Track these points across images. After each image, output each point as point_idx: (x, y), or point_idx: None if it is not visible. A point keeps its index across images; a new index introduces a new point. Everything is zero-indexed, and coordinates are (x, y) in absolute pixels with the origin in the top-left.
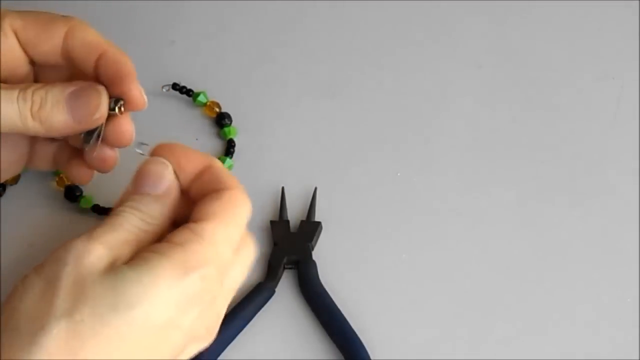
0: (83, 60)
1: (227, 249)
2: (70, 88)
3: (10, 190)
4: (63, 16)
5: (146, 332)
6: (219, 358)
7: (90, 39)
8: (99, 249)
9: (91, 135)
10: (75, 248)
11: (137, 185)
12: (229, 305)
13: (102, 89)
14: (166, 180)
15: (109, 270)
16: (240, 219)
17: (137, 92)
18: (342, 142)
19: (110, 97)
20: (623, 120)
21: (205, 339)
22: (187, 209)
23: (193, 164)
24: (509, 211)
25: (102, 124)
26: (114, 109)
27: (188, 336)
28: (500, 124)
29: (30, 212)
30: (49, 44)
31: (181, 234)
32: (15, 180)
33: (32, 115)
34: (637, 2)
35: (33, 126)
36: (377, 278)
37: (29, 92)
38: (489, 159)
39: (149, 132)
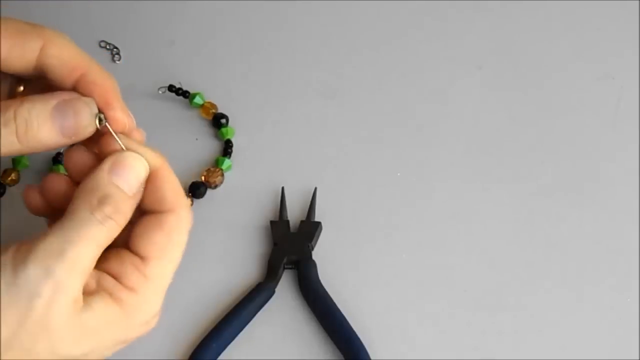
0: (60, 79)
1: (166, 286)
2: (53, 100)
3: (10, 190)
4: (37, 27)
5: None
6: (219, 358)
7: (67, 58)
8: (74, 284)
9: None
10: (52, 276)
11: (112, 175)
12: (229, 305)
13: (90, 101)
14: (143, 180)
15: (73, 313)
16: (182, 248)
17: (121, 115)
18: (342, 142)
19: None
20: (623, 120)
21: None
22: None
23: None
24: (509, 211)
25: None
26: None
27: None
28: (500, 124)
29: (30, 212)
30: (22, 60)
31: (132, 277)
32: (15, 180)
33: (18, 139)
34: (637, 2)
35: (19, 150)
36: (377, 278)
37: (10, 114)
38: (489, 159)
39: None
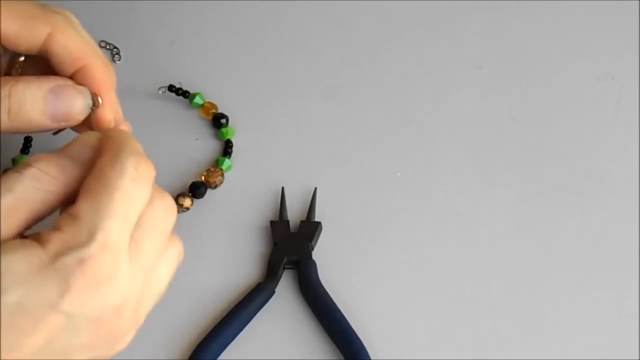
0: (61, 66)
1: (114, 224)
2: (48, 84)
3: None
4: (48, 12)
5: (21, 318)
6: (219, 358)
7: (72, 48)
8: None
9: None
10: None
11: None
12: (229, 305)
13: (84, 90)
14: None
15: None
16: (116, 187)
17: (108, 114)
18: (342, 142)
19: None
20: (623, 120)
21: (117, 319)
22: None
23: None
24: (509, 211)
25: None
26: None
27: (81, 318)
28: (500, 124)
29: None
30: (28, 43)
31: (60, 219)
32: None
33: (9, 116)
34: (637, 2)
35: (7, 127)
36: (377, 278)
37: (5, 90)
38: (488, 159)
39: (145, 134)
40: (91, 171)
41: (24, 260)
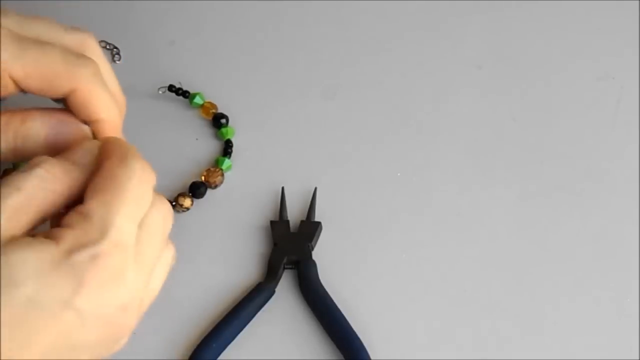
0: (79, 115)
1: (124, 222)
2: (50, 121)
3: None
4: (73, 67)
5: (33, 314)
6: (218, 358)
7: (93, 104)
8: None
9: None
10: None
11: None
12: (229, 305)
13: (87, 130)
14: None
15: None
16: (125, 187)
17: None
18: (342, 142)
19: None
20: (623, 120)
21: (124, 317)
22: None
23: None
24: (509, 211)
25: None
26: None
27: (92, 316)
28: (500, 124)
29: None
30: (49, 96)
31: (69, 217)
32: None
33: (11, 151)
34: (637, 2)
35: (5, 157)
36: (377, 278)
37: (11, 127)
38: (488, 159)
39: (146, 134)
40: (98, 172)
41: (37, 256)
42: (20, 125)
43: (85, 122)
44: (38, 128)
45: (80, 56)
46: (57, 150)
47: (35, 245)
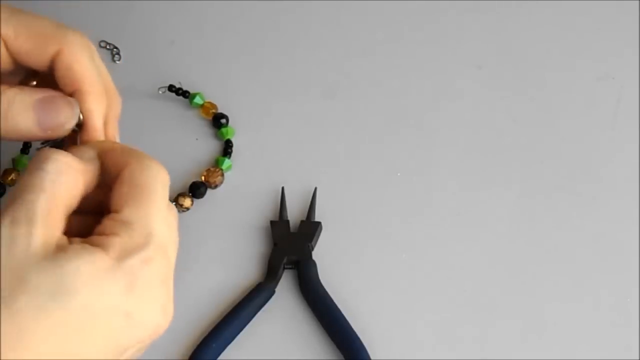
0: (63, 84)
1: (161, 225)
2: (39, 94)
3: (10, 190)
4: (62, 31)
5: (87, 320)
6: (218, 358)
7: (76, 69)
8: (38, 229)
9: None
10: (3, 230)
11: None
12: (229, 305)
13: (74, 102)
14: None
15: (45, 256)
16: (155, 191)
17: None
18: (342, 142)
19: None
20: (623, 120)
21: (163, 317)
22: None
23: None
24: (509, 211)
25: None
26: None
27: (138, 320)
28: (500, 124)
29: None
30: (37, 60)
31: (109, 226)
32: (15, 180)
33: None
34: (637, 2)
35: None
36: (377, 278)
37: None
38: (488, 159)
39: (145, 134)
40: (121, 179)
41: (90, 264)
42: (6, 90)
43: (70, 95)
44: (24, 96)
45: (71, 28)
46: (45, 125)
47: (86, 254)
